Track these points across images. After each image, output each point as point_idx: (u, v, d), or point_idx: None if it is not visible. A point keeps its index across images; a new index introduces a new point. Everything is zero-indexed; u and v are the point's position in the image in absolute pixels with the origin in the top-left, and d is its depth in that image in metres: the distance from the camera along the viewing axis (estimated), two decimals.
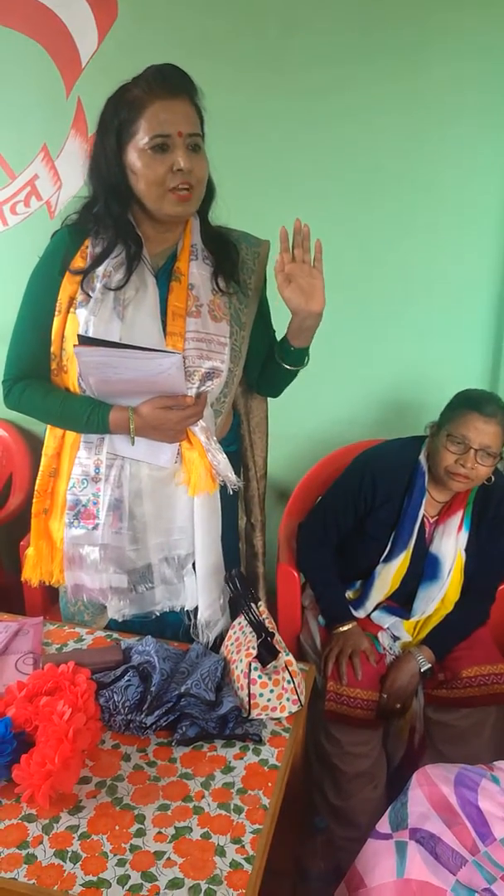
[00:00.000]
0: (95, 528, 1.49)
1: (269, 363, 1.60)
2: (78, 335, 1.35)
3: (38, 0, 2.05)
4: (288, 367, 1.57)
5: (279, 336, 1.58)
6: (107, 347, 1.33)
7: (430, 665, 1.81)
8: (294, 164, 2.19)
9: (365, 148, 2.14)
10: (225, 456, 1.50)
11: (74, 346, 1.33)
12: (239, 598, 1.43)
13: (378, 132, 2.11)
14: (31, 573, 1.58)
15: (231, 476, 1.51)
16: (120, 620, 1.58)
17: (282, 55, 2.08)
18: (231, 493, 1.56)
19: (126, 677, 1.35)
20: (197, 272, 1.47)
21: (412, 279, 2.27)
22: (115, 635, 1.56)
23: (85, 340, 1.33)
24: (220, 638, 1.53)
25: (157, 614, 1.59)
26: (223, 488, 1.53)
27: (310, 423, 2.48)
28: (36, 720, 1.22)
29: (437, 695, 1.82)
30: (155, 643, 1.43)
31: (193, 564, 1.56)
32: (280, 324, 1.59)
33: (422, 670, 1.80)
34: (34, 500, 1.56)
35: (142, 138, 1.32)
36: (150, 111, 1.32)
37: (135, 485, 1.49)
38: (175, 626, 1.62)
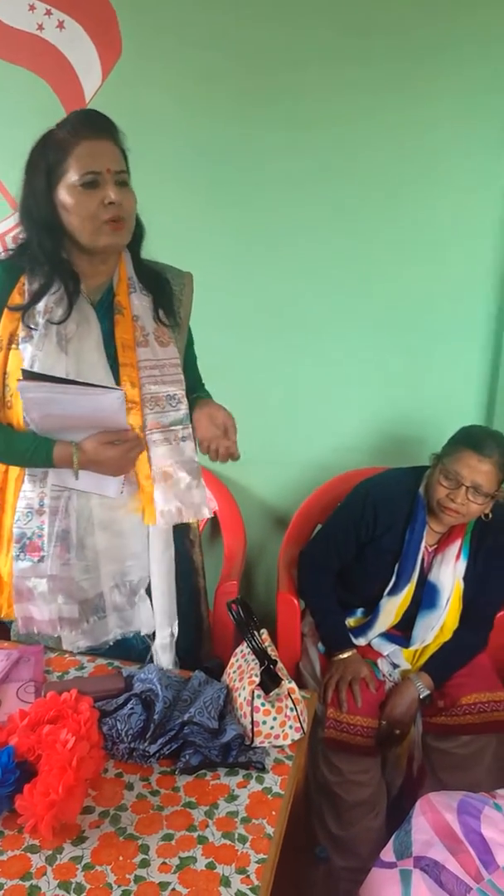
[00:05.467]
0: (41, 560, 1.50)
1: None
2: (22, 370, 1.37)
3: (44, 39, 2.10)
4: None
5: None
6: (51, 383, 1.35)
7: (429, 692, 1.81)
8: (290, 193, 2.22)
9: (364, 174, 2.18)
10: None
11: (19, 380, 1.35)
12: (242, 625, 1.44)
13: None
14: None
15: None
16: (75, 652, 1.58)
17: (279, 89, 2.12)
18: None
19: (129, 705, 1.35)
20: (139, 304, 1.52)
21: (411, 309, 2.29)
22: (117, 663, 1.56)
23: (29, 376, 1.35)
24: (223, 666, 1.53)
25: (111, 644, 1.61)
26: None
27: (308, 449, 2.49)
28: (39, 749, 1.21)
29: (437, 722, 1.83)
30: (157, 671, 1.43)
31: (147, 589, 1.58)
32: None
33: (421, 696, 1.80)
34: None
35: (72, 176, 1.36)
36: (78, 151, 1.36)
37: (84, 515, 1.51)
38: (131, 649, 1.63)
